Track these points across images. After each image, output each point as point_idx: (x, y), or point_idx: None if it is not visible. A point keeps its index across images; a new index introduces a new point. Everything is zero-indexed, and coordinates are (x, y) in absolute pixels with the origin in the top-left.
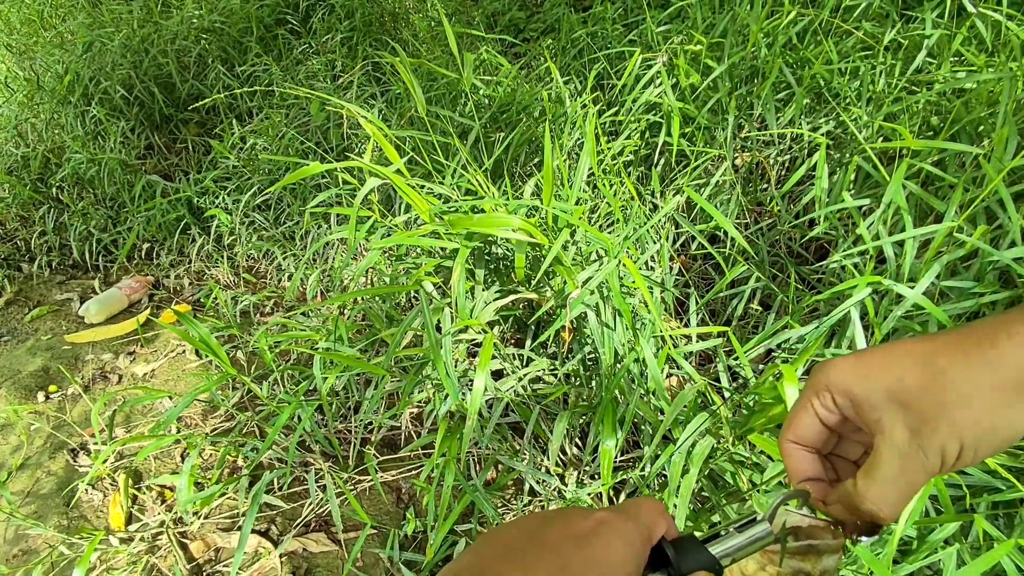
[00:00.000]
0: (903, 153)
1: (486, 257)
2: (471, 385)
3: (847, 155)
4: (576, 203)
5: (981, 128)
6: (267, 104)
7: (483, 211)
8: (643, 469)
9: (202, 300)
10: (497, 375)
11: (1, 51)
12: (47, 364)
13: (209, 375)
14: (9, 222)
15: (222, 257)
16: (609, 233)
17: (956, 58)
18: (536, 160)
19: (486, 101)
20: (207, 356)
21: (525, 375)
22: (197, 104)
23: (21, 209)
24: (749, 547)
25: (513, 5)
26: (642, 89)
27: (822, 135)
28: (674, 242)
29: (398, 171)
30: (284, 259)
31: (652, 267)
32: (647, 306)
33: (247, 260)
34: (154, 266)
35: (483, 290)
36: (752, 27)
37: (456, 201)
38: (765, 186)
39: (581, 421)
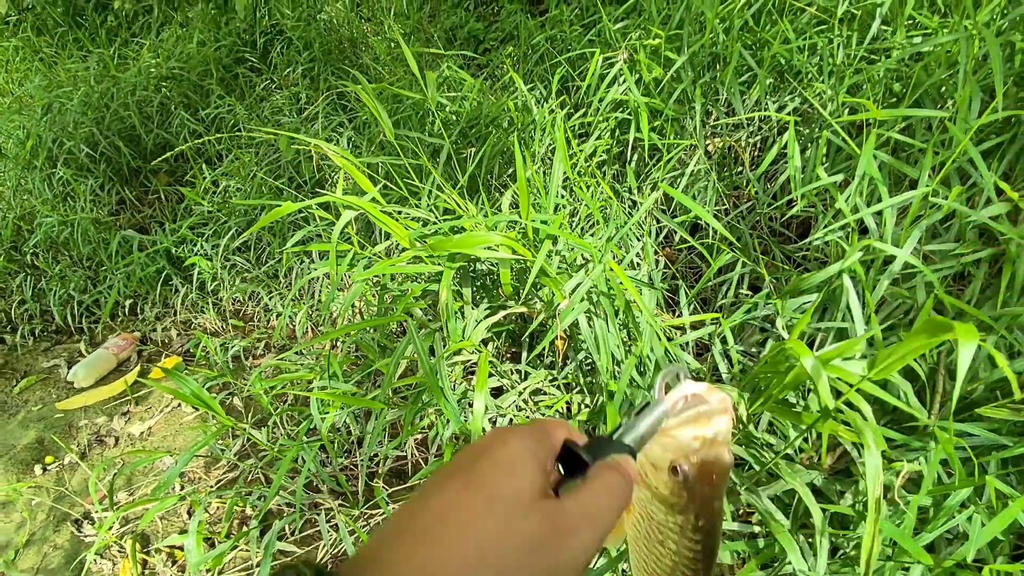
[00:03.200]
0: (870, 124)
1: (471, 275)
2: (472, 406)
3: (816, 130)
4: (555, 210)
5: (944, 90)
6: (235, 145)
7: (463, 230)
8: None
9: (191, 350)
10: (497, 392)
11: None
12: (41, 435)
13: (206, 427)
14: None
15: (207, 304)
16: (591, 236)
17: (911, 22)
18: (510, 171)
19: (454, 117)
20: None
21: (525, 389)
22: (165, 155)
23: None
24: (651, 427)
25: (470, 17)
26: (607, 88)
27: (789, 114)
28: (656, 236)
29: (373, 200)
30: (270, 299)
31: (638, 265)
32: (638, 305)
33: (233, 304)
34: (139, 321)
35: (472, 309)
36: (708, 14)
37: (435, 223)
38: (740, 170)
39: (586, 428)
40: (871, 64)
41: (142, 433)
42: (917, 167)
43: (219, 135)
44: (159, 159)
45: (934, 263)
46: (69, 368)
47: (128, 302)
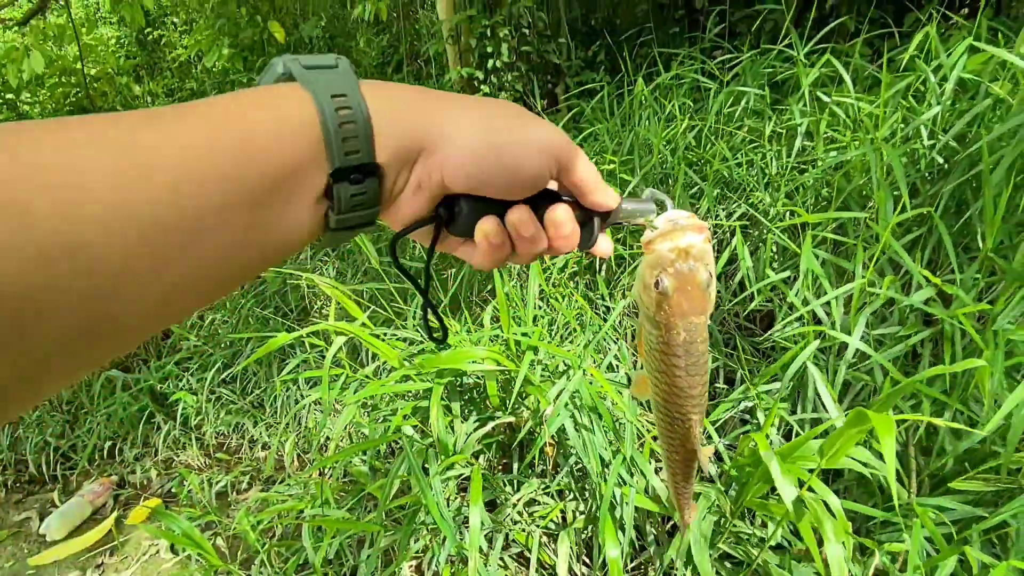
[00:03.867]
0: (805, 226)
1: (459, 389)
2: (466, 522)
3: (764, 232)
4: (534, 321)
5: (864, 193)
6: None
7: (449, 347)
8: (654, 571)
9: (173, 490)
10: (491, 506)
11: None
12: None
13: (189, 573)
14: None
15: (190, 440)
16: (569, 343)
17: (828, 137)
18: (489, 287)
19: None
20: (184, 551)
21: (519, 500)
22: None
23: None
24: (636, 212)
25: None
26: None
27: (736, 219)
28: (632, 338)
29: (362, 325)
30: (256, 429)
31: (616, 367)
32: (617, 404)
33: (217, 438)
34: (117, 463)
35: (462, 422)
36: (653, 141)
37: (421, 342)
38: None
39: (584, 536)
40: (802, 173)
41: None
42: (852, 261)
43: None
44: None
45: (887, 346)
46: (41, 520)
47: (107, 444)
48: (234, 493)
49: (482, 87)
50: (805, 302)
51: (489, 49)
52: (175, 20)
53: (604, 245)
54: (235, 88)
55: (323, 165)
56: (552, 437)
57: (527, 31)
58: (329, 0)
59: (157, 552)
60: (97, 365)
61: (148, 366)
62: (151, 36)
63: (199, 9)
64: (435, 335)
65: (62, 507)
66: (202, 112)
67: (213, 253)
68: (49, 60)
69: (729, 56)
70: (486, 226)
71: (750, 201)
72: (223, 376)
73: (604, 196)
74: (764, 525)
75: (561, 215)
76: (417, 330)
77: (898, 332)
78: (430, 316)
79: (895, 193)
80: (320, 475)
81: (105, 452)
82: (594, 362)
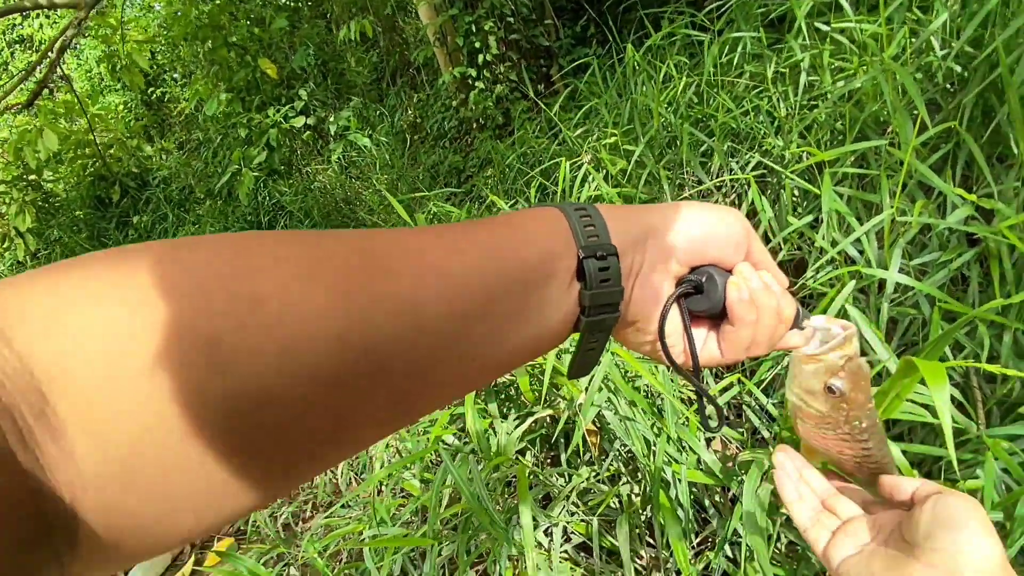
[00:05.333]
0: (824, 165)
1: (494, 389)
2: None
3: (781, 179)
4: None
5: (880, 118)
6: None
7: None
8: (717, 543)
9: (242, 527)
10: (547, 499)
11: None
12: None
13: None
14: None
15: None
16: None
17: (834, 66)
18: None
19: None
20: None
21: (571, 491)
22: None
23: None
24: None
25: (448, 152)
26: (579, 189)
27: (751, 171)
28: None
29: None
30: None
31: None
32: (654, 383)
33: None
34: None
35: (502, 422)
36: (652, 105)
37: None
38: None
39: (644, 517)
40: (812, 111)
41: None
42: (878, 193)
43: None
44: None
45: (930, 274)
46: (126, 574)
47: None
48: (300, 523)
49: (476, 84)
50: (834, 243)
51: (477, 44)
52: (175, 76)
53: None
54: (238, 130)
55: (573, 248)
56: (594, 423)
57: (511, 19)
58: (315, 28)
59: None
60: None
61: None
62: (155, 95)
63: (194, 60)
64: (711, 425)
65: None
66: (489, 224)
67: (501, 328)
68: (64, 136)
69: (717, 3)
70: (744, 270)
71: (763, 149)
72: None
73: (780, 274)
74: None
75: (766, 277)
76: None
77: (939, 258)
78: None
79: (914, 113)
80: (376, 494)
81: None
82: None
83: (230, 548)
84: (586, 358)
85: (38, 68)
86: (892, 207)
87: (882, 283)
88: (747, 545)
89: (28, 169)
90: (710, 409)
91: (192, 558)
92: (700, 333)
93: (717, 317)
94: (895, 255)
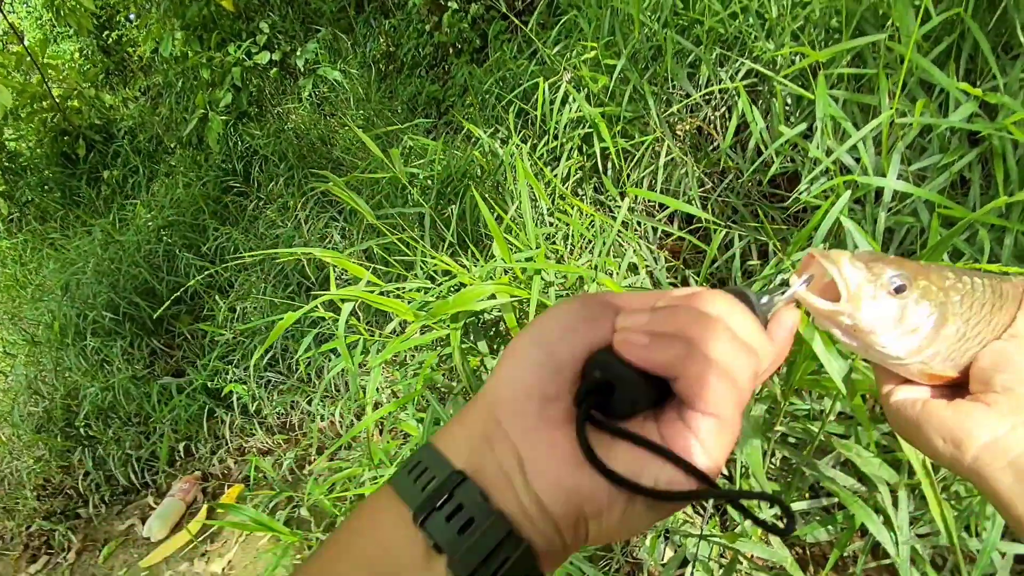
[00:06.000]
0: (818, 67)
1: (481, 328)
2: None
3: (773, 86)
4: (547, 240)
5: (880, 11)
6: (240, 268)
7: (463, 287)
8: None
9: (250, 474)
10: None
11: None
12: None
13: (282, 546)
14: (53, 476)
15: (254, 426)
16: (588, 253)
17: None
18: (495, 215)
19: (429, 183)
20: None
21: None
22: (175, 295)
23: (60, 460)
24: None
25: (425, 82)
26: (559, 111)
27: (741, 79)
28: (655, 233)
29: (370, 284)
30: (309, 404)
31: (636, 268)
32: None
33: (278, 418)
34: (196, 460)
35: (492, 358)
36: (633, 13)
37: (435, 287)
38: (715, 145)
39: None
40: (804, 8)
41: (223, 569)
42: (876, 94)
43: (227, 268)
44: (172, 303)
45: (929, 179)
46: (143, 524)
47: (182, 445)
48: (307, 465)
49: (449, 3)
50: (828, 152)
51: None
52: (129, 16)
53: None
54: (200, 71)
55: (407, 521)
56: None
57: None
58: None
59: (252, 532)
60: None
61: (196, 366)
62: (110, 39)
63: None
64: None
65: (158, 509)
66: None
67: None
68: (17, 91)
69: None
70: (619, 323)
71: (754, 55)
72: (264, 362)
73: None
74: (821, 398)
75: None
76: (430, 277)
77: (940, 161)
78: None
79: (916, 3)
80: (374, 434)
81: (182, 452)
82: (610, 273)
83: (240, 495)
84: None
85: None
86: (891, 108)
87: (879, 192)
88: (742, 462)
89: None
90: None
91: (205, 506)
92: (680, 428)
93: (662, 397)
94: (893, 161)
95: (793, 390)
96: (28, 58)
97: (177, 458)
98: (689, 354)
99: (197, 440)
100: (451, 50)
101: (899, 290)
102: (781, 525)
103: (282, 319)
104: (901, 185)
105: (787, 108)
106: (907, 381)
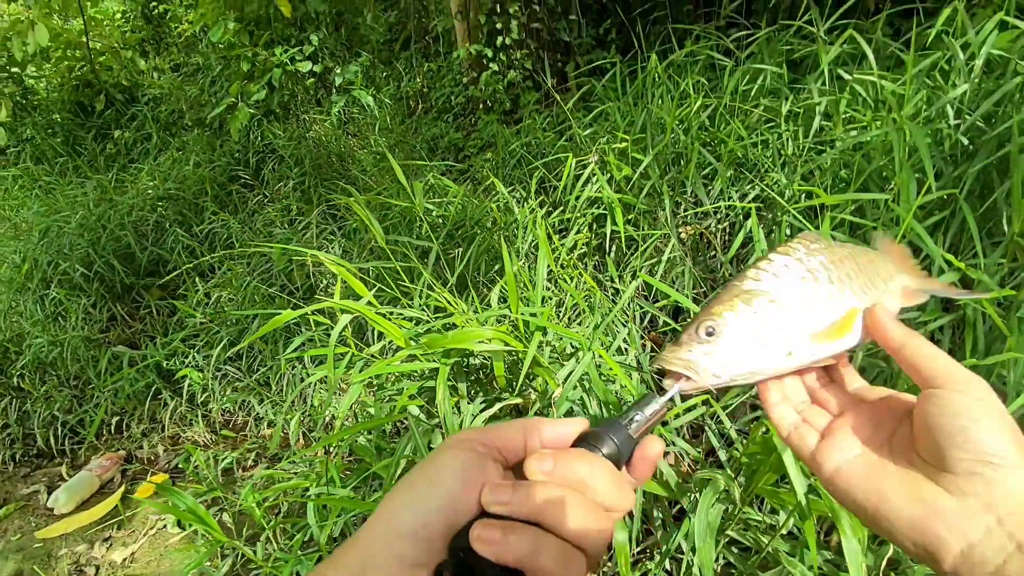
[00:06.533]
0: (823, 209)
1: (465, 370)
2: None
3: (778, 214)
4: (542, 302)
5: (885, 174)
6: (228, 257)
7: (455, 327)
8: (660, 554)
9: (180, 465)
10: None
11: None
12: (19, 567)
13: (195, 548)
14: None
15: (196, 417)
16: (578, 325)
17: (847, 117)
18: (497, 267)
19: (440, 221)
20: (190, 527)
21: None
22: (170, 277)
23: None
24: (655, 414)
25: (450, 128)
26: (581, 187)
27: (751, 201)
28: (641, 321)
29: (368, 303)
30: (261, 407)
31: (625, 350)
32: (626, 387)
33: (222, 415)
34: (125, 439)
35: (468, 403)
36: (667, 119)
37: (427, 321)
38: (713, 254)
39: None
40: (819, 154)
41: (124, 560)
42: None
43: (218, 253)
44: (152, 274)
45: None
46: (49, 493)
47: (114, 420)
48: (240, 470)
49: (491, 65)
50: None
51: (499, 26)
52: None
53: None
54: (240, 63)
55: None
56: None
57: (537, 8)
58: None
59: (164, 527)
60: None
61: (155, 342)
62: (156, 10)
63: None
64: None
65: (70, 481)
66: None
67: None
68: (54, 34)
69: (745, 33)
70: (485, 495)
71: (765, 182)
72: (229, 353)
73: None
74: (775, 512)
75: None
76: (423, 309)
77: (917, 318)
78: None
79: (918, 175)
80: (325, 453)
81: (113, 427)
82: (602, 344)
83: (164, 484)
84: None
85: None
86: None
87: None
88: (691, 562)
89: (12, 61)
90: None
91: (122, 487)
92: None
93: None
94: None
95: (753, 496)
96: (75, 4)
97: (104, 432)
98: (539, 549)
99: (132, 418)
100: (482, 105)
101: (709, 332)
102: None
103: (278, 315)
104: None
105: (787, 235)
106: (829, 442)
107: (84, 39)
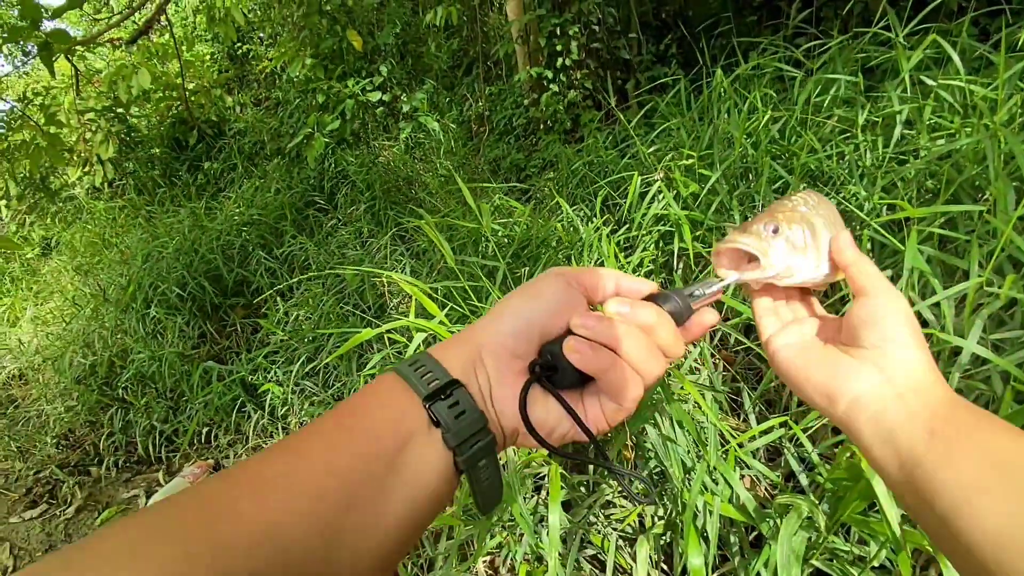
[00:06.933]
0: (907, 222)
1: None
2: (542, 521)
3: (857, 228)
4: None
5: (977, 184)
6: (306, 278)
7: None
8: None
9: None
10: (566, 506)
11: (69, 273)
12: None
13: None
14: (78, 428)
15: (276, 429)
16: None
17: (931, 122)
18: None
19: (506, 241)
20: None
21: (594, 502)
22: (249, 298)
23: (89, 414)
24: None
25: (511, 149)
26: (647, 205)
27: None
28: (712, 339)
29: (440, 322)
30: None
31: (697, 369)
32: (700, 407)
33: (300, 428)
34: (213, 448)
35: None
36: (735, 134)
37: None
38: None
39: (663, 542)
40: (901, 165)
41: None
42: (965, 258)
43: (296, 276)
44: (237, 294)
45: (1008, 351)
46: (148, 498)
47: (204, 430)
48: None
49: (551, 86)
50: (910, 304)
51: (558, 48)
52: (261, 35)
53: (705, 318)
54: (316, 95)
55: (417, 402)
56: (631, 439)
57: (596, 28)
58: (402, 8)
59: None
60: None
61: (240, 358)
62: (240, 51)
63: (283, 23)
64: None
65: (166, 486)
66: (333, 424)
67: (374, 510)
68: (154, 77)
69: (816, 42)
70: (574, 324)
71: (841, 195)
72: (307, 369)
73: (635, 282)
74: (863, 542)
75: (612, 307)
76: None
77: (1021, 337)
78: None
79: (1016, 184)
80: None
81: (203, 438)
82: (675, 364)
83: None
84: (487, 488)
85: (143, 7)
86: (981, 276)
87: (954, 351)
88: None
89: (118, 102)
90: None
91: None
92: (594, 402)
93: (590, 379)
94: (976, 325)
95: (839, 524)
96: (172, 50)
97: (195, 442)
98: (612, 366)
99: (219, 429)
100: (542, 126)
101: (775, 231)
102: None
103: (354, 333)
104: (980, 350)
105: (869, 251)
106: (784, 331)
107: (180, 80)
